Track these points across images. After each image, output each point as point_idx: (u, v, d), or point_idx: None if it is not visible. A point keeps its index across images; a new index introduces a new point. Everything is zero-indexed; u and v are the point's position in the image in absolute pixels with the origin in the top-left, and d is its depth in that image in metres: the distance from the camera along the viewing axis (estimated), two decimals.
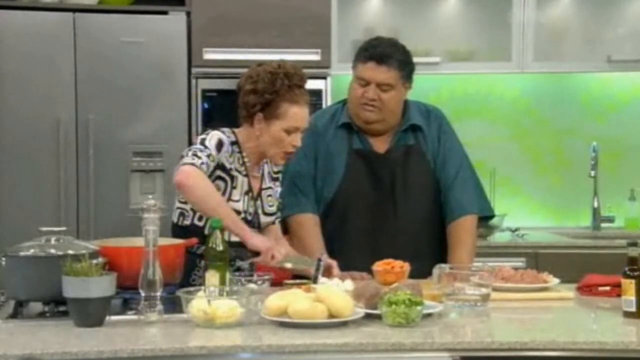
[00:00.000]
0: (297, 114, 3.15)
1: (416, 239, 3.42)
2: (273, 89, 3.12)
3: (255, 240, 3.04)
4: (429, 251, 3.40)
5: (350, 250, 3.38)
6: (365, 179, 3.45)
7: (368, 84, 3.39)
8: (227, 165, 3.15)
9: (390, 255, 3.17)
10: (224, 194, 3.14)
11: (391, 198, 3.43)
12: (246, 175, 3.21)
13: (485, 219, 3.62)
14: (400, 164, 3.45)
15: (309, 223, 3.43)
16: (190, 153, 3.06)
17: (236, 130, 3.24)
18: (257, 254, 3.06)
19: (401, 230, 3.42)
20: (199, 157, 3.04)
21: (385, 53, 3.39)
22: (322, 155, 3.48)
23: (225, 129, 3.21)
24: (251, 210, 3.22)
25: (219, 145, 3.12)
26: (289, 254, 3.15)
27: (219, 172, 3.12)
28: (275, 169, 3.35)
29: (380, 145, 3.48)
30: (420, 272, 3.10)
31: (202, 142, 3.11)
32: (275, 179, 3.35)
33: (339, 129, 3.49)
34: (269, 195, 3.30)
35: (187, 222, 3.18)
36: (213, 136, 3.14)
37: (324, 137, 3.49)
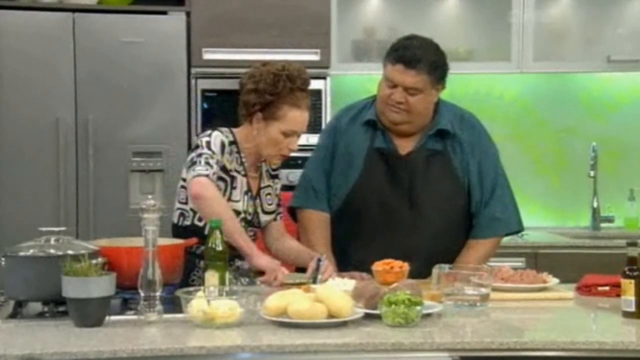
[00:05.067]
0: (296, 118, 3.15)
1: (432, 246, 3.34)
2: (275, 90, 3.12)
3: (261, 260, 3.04)
4: (446, 259, 3.32)
5: (364, 248, 3.34)
6: (382, 179, 3.38)
7: (395, 86, 3.30)
8: (228, 166, 3.15)
9: (404, 255, 3.15)
10: (224, 194, 3.14)
11: (408, 201, 3.36)
12: (245, 175, 3.21)
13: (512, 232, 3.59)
14: (422, 168, 3.37)
15: (316, 220, 3.42)
16: (202, 161, 3.05)
17: (235, 130, 3.24)
18: (261, 272, 3.05)
19: (416, 234, 3.35)
20: (211, 166, 3.05)
21: (415, 57, 3.27)
22: (341, 152, 3.43)
23: (224, 129, 3.21)
24: (251, 210, 3.22)
25: (222, 147, 3.13)
26: (297, 256, 3.18)
27: (220, 173, 3.12)
28: (274, 166, 3.35)
29: (404, 145, 3.40)
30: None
31: (209, 146, 3.10)
32: (274, 177, 3.35)
33: (363, 126, 3.43)
34: (268, 194, 3.30)
35: (188, 222, 3.18)
36: (216, 138, 3.13)
37: (345, 134, 3.44)
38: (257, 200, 3.26)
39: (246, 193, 3.21)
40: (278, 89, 3.11)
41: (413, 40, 3.38)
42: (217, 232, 2.85)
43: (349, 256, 3.36)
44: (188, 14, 4.69)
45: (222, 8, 4.72)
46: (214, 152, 3.08)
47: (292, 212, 3.50)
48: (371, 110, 3.44)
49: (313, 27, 4.74)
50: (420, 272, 3.11)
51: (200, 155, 3.07)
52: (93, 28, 4.56)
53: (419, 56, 3.28)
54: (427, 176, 3.38)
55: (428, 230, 3.37)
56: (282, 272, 3.02)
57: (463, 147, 3.41)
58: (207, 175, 3.02)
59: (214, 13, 4.71)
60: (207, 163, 3.05)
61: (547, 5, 5.22)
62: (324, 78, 4.74)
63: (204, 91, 4.70)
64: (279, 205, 3.37)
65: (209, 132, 3.18)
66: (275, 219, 3.34)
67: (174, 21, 4.65)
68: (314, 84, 4.55)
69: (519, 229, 3.55)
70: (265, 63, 3.21)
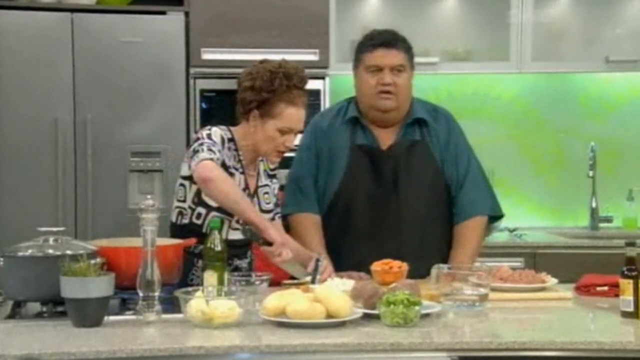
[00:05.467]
0: (292, 115, 3.15)
1: (420, 235, 3.41)
2: (271, 87, 3.12)
3: (272, 232, 3.04)
4: (434, 248, 3.38)
5: (354, 245, 3.38)
6: (367, 175, 3.43)
7: (381, 70, 3.40)
8: (227, 162, 3.15)
9: (395, 250, 3.17)
10: None
11: (394, 193, 3.41)
12: (242, 173, 3.21)
13: (494, 219, 3.61)
14: (404, 159, 3.44)
15: (308, 222, 3.43)
16: (205, 148, 3.05)
17: (233, 128, 3.24)
18: (269, 244, 3.05)
19: (405, 226, 3.40)
20: (214, 152, 3.05)
21: (391, 38, 3.45)
22: (324, 152, 3.48)
23: (222, 127, 3.21)
24: None
25: (222, 141, 3.13)
26: (296, 256, 3.15)
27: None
28: (272, 166, 3.35)
29: (385, 138, 3.47)
30: (426, 269, 3.07)
31: (210, 137, 3.11)
32: (271, 176, 3.35)
33: (343, 125, 3.49)
34: (266, 193, 3.30)
35: (186, 220, 3.18)
36: (216, 132, 3.15)
37: (327, 135, 3.49)
38: (255, 199, 3.26)
39: (243, 191, 3.20)
40: (274, 86, 3.12)
41: (380, 30, 3.55)
42: (216, 233, 2.85)
43: (341, 255, 3.36)
44: (187, 14, 4.69)
45: (221, 8, 4.72)
46: (215, 142, 3.09)
47: (283, 218, 3.49)
48: (351, 109, 3.51)
49: (312, 27, 4.74)
50: (413, 268, 3.13)
51: (202, 144, 3.07)
52: (92, 28, 4.56)
53: (394, 38, 3.47)
54: (409, 167, 3.44)
55: (414, 224, 3.41)
56: (286, 250, 3.02)
57: (439, 138, 3.50)
58: (210, 159, 3.02)
59: (212, 13, 4.71)
60: (210, 149, 3.05)
61: (546, 5, 5.23)
62: (323, 78, 4.74)
63: (202, 91, 4.70)
64: (277, 205, 3.37)
65: (208, 127, 3.19)
66: (273, 219, 3.34)
67: (173, 21, 4.65)
68: (313, 84, 4.58)
69: (496, 213, 3.56)
70: (262, 61, 3.23)
